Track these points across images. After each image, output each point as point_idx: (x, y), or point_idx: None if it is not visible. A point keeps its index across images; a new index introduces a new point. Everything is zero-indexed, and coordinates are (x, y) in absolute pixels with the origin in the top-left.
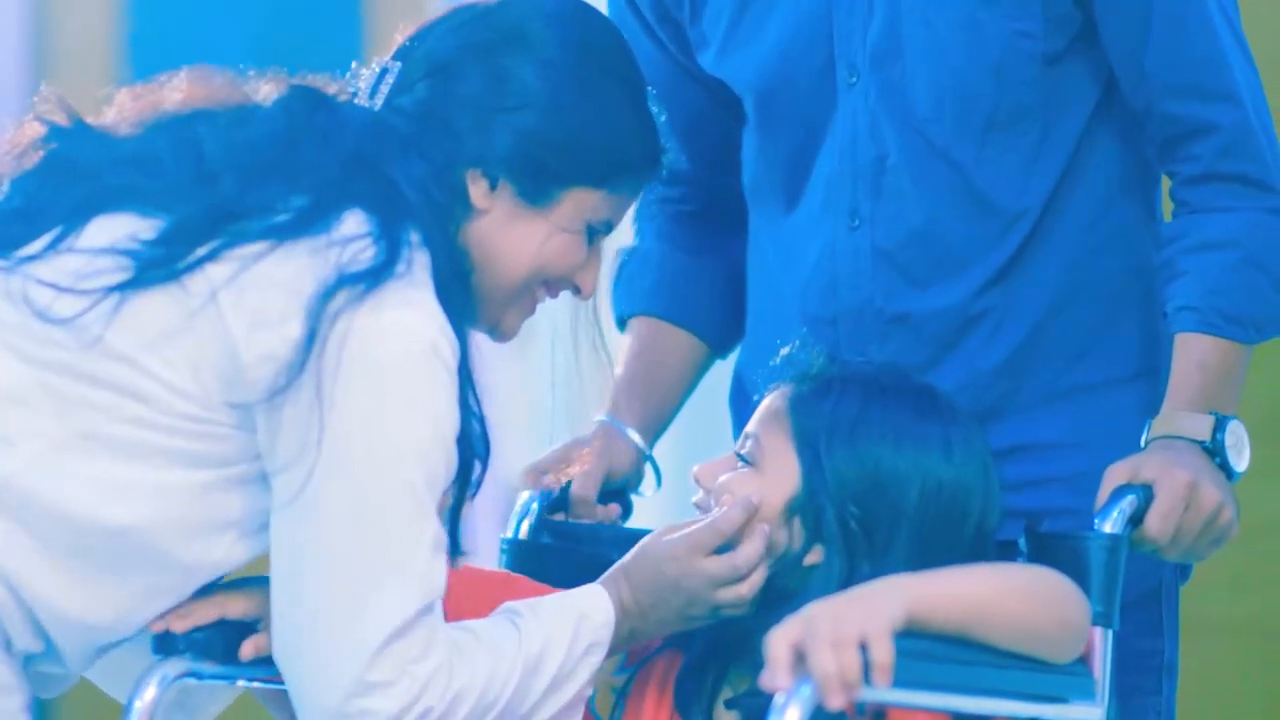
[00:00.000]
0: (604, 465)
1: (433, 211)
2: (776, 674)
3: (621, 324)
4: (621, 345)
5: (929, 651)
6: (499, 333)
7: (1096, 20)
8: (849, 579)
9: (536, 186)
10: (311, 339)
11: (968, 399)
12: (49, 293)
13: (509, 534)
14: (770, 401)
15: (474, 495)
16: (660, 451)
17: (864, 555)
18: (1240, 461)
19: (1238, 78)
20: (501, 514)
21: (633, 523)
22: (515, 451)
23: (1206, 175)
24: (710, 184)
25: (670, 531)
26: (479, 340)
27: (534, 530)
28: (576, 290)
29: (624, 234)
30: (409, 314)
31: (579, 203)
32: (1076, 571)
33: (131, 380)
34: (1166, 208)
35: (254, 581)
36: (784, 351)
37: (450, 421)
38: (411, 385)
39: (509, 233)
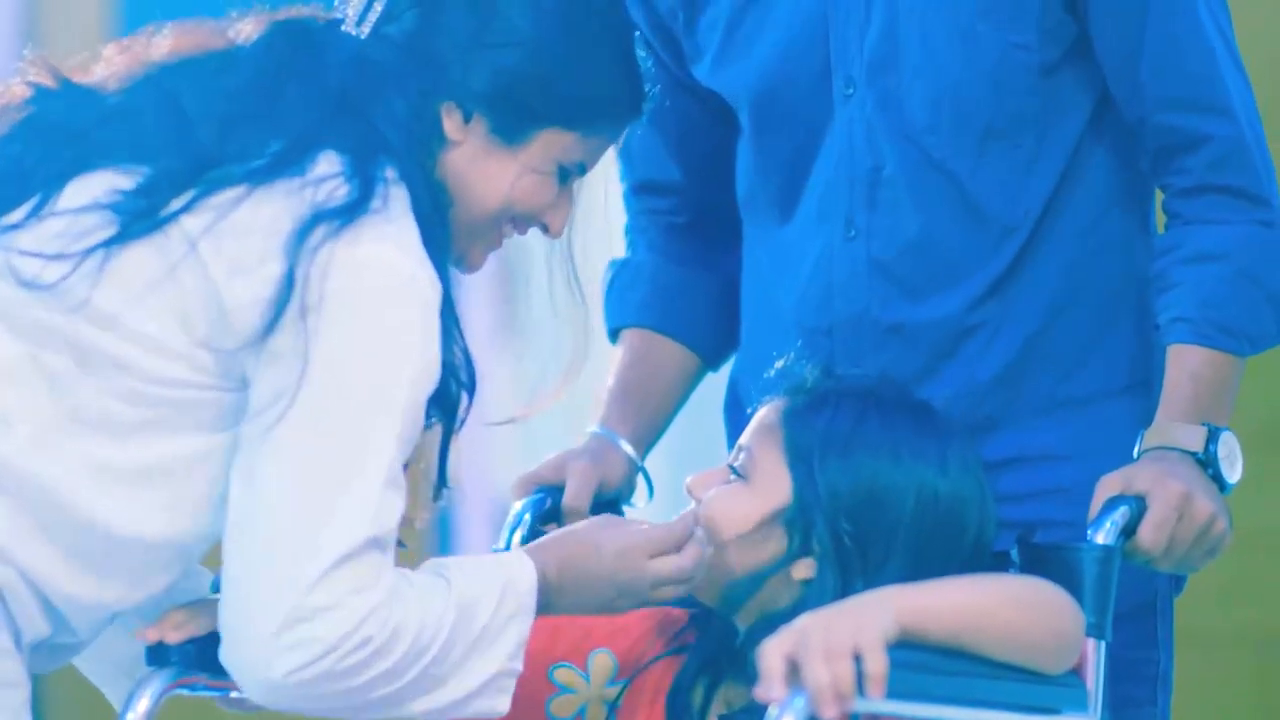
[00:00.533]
0: (596, 476)
1: (411, 147)
2: (770, 685)
3: (614, 336)
4: (614, 357)
5: (922, 662)
6: (464, 265)
7: (1091, 32)
8: (843, 595)
9: (510, 124)
10: (291, 275)
11: (963, 410)
12: (34, 262)
13: (501, 545)
14: (764, 414)
15: (460, 428)
16: (653, 462)
17: (857, 571)
18: (1233, 473)
19: (1231, 90)
20: (494, 525)
21: None
22: (507, 446)
23: (1199, 187)
24: (703, 196)
25: (611, 525)
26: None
27: (526, 541)
28: (545, 229)
29: (616, 245)
30: (386, 248)
31: (551, 144)
32: (1069, 582)
33: (118, 349)
34: (1160, 220)
35: None
36: (779, 364)
37: (427, 358)
38: (388, 320)
39: (479, 168)
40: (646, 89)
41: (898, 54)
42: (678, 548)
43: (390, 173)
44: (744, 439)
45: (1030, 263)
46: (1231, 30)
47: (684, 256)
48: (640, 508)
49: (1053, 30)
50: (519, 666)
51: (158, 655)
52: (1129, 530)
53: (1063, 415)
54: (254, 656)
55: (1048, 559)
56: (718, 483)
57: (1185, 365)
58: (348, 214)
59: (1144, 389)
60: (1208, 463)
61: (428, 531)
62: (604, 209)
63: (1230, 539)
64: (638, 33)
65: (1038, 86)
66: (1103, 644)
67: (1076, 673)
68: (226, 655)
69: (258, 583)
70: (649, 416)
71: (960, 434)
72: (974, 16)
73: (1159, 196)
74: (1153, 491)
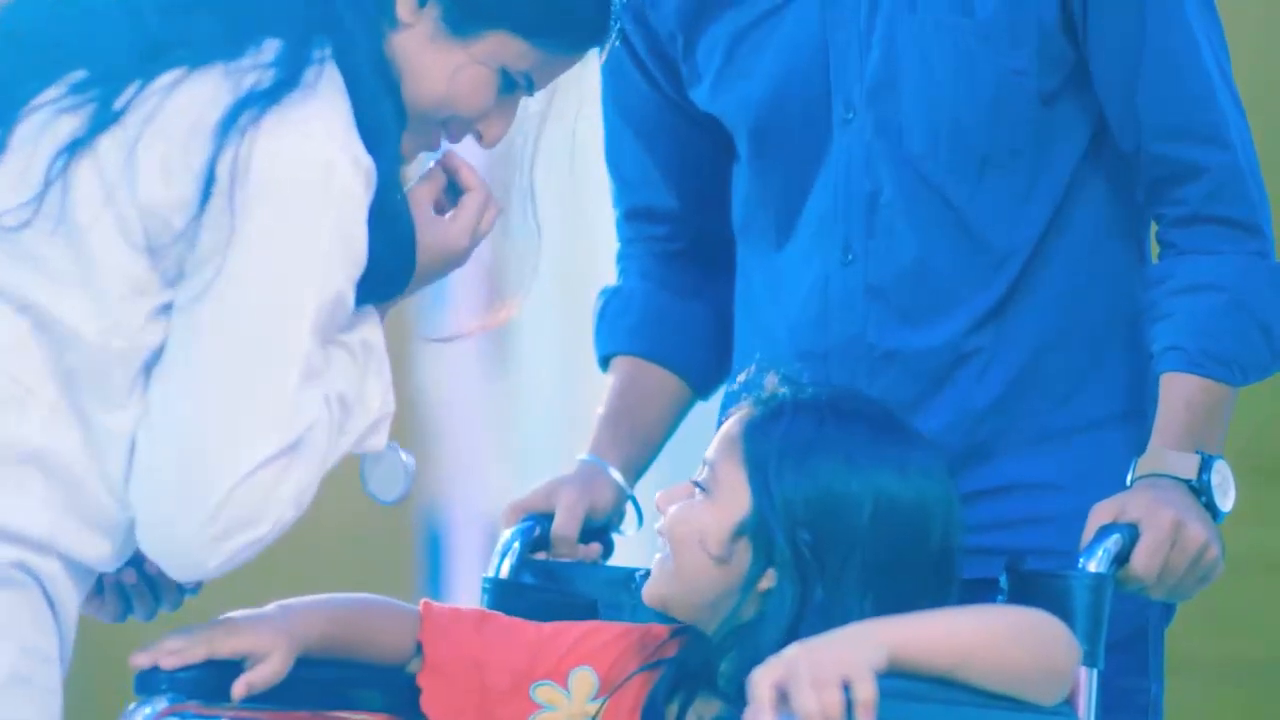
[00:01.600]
0: (585, 504)
1: (361, 26)
2: (760, 713)
3: (604, 364)
4: (605, 384)
5: (912, 691)
6: None
7: (1089, 60)
8: (802, 604)
9: (463, 16)
10: (213, 166)
11: (958, 437)
12: (15, 213)
13: (491, 573)
14: (727, 427)
15: (401, 296)
16: (642, 490)
17: (816, 579)
18: (1226, 501)
19: (1228, 120)
20: (485, 551)
21: (614, 561)
22: (498, 472)
23: (1194, 218)
24: (696, 223)
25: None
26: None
27: (515, 569)
28: (479, 137)
29: (608, 274)
30: (307, 134)
31: (501, 45)
32: (1061, 611)
33: (84, 307)
34: (1154, 249)
35: (241, 620)
36: (741, 377)
37: (346, 248)
38: (300, 218)
39: (424, 55)
40: (613, 24)
41: (897, 79)
42: (484, 208)
43: (323, 52)
44: (708, 453)
45: (1026, 290)
46: (1228, 62)
47: (676, 284)
48: (629, 535)
49: (1052, 58)
50: (391, 407)
51: (148, 682)
52: (1121, 558)
53: (1057, 443)
54: (183, 555)
55: (1038, 586)
56: (684, 498)
57: (1178, 393)
58: (270, 98)
59: (1138, 418)
60: (1201, 490)
61: (419, 556)
62: (571, 141)
63: (1222, 567)
64: (632, 87)
65: (1036, 114)
66: (1094, 672)
67: (1069, 702)
68: (151, 549)
69: (178, 487)
70: (639, 444)
71: (922, 440)
72: (974, 43)
73: (1153, 227)
74: (1145, 519)
